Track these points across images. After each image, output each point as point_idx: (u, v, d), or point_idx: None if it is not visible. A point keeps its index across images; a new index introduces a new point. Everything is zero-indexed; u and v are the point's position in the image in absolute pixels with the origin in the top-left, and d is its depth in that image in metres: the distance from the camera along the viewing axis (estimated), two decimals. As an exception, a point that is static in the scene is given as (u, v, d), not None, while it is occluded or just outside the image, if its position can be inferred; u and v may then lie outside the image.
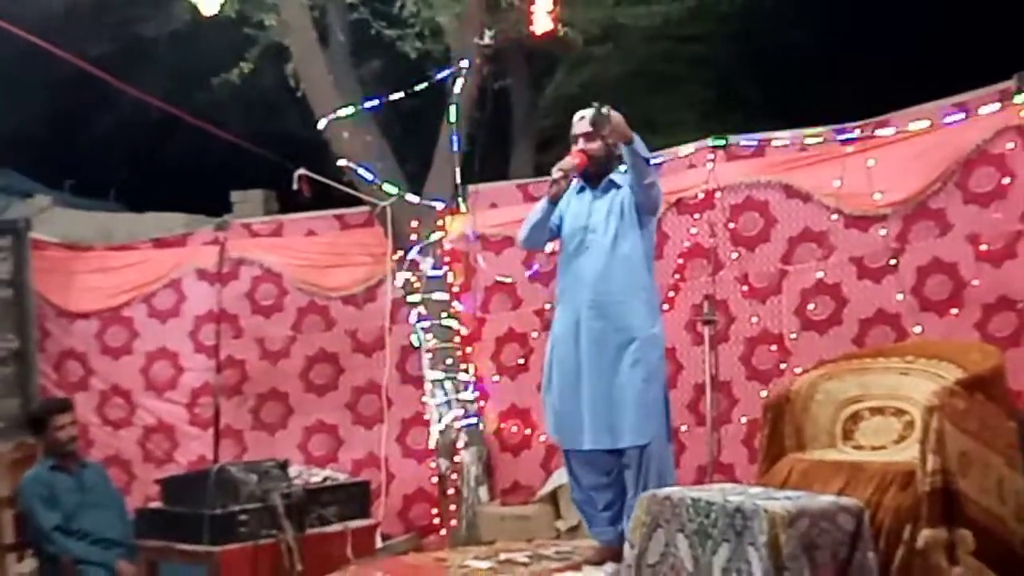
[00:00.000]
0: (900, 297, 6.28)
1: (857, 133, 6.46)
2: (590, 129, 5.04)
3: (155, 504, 5.96)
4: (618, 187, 5.09)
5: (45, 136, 12.57)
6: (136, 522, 5.91)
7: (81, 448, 6.71)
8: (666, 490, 4.29)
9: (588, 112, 5.01)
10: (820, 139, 6.59)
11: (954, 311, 6.13)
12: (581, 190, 5.20)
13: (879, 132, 6.41)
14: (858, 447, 4.68)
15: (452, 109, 7.50)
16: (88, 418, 7.75)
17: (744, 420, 6.61)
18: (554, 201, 5.10)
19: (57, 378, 7.97)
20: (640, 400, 4.91)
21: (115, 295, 7.98)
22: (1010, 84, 6.00)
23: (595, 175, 5.14)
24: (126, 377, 7.93)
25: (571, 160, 5.08)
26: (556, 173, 5.04)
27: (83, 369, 7.98)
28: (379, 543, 6.70)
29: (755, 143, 6.82)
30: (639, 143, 4.87)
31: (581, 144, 5.11)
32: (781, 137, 6.75)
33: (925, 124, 6.26)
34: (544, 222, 5.17)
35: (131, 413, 7.91)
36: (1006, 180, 6.02)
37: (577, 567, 4.91)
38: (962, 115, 6.17)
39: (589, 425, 4.96)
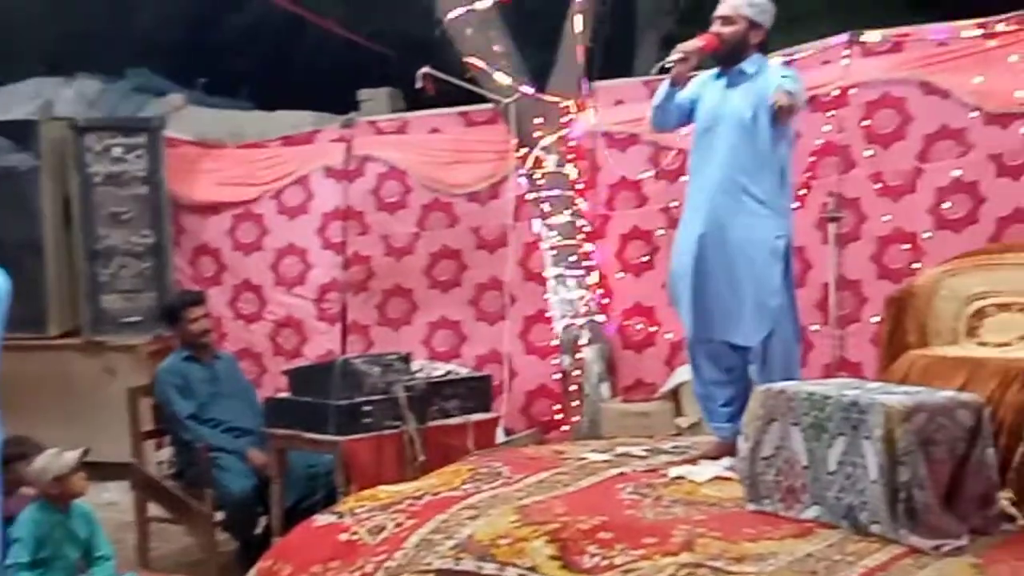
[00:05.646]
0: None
1: (1001, 28, 6.23)
2: (728, 12, 4.90)
3: (283, 394, 6.10)
4: (750, 78, 4.93)
5: (179, 36, 12.77)
6: (264, 411, 6.07)
7: (215, 341, 6.93)
8: (781, 384, 4.26)
9: None
10: (962, 34, 6.36)
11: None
12: (718, 76, 5.03)
13: (1026, 25, 6.17)
14: (982, 344, 4.57)
15: (577, 4, 7.40)
16: (221, 312, 7.99)
17: (874, 320, 6.49)
18: (675, 84, 4.96)
19: (192, 273, 8.22)
20: (760, 298, 4.85)
21: (246, 192, 8.15)
22: None
23: (726, 60, 4.97)
24: (257, 272, 8.13)
25: (695, 42, 4.91)
26: (675, 54, 4.90)
27: (216, 264, 8.22)
28: (502, 438, 6.79)
29: (892, 38, 6.62)
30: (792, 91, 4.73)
31: (716, 26, 4.94)
32: (920, 32, 6.53)
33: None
34: (666, 104, 5.04)
35: (262, 308, 8.12)
36: None
37: (693, 461, 4.91)
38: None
39: (708, 316, 4.92)
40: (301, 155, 8.13)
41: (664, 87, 5.04)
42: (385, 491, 4.74)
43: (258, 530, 6.10)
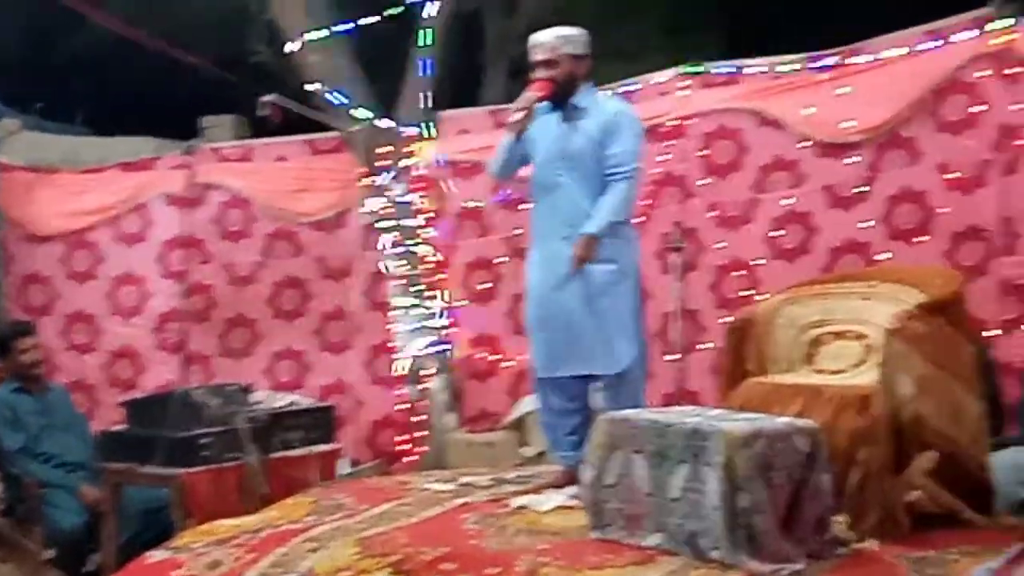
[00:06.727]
0: (870, 225, 6.27)
1: (831, 61, 6.42)
2: (548, 56, 4.93)
3: (118, 427, 5.92)
4: (583, 112, 4.97)
5: (14, 59, 12.39)
6: (99, 445, 5.88)
7: (46, 372, 6.69)
8: (623, 412, 4.27)
9: (543, 36, 4.93)
10: (794, 67, 6.54)
11: (923, 240, 6.13)
12: (552, 110, 5.02)
13: (852, 60, 6.36)
14: (819, 371, 4.65)
15: (424, 33, 7.42)
16: (53, 342, 7.71)
17: (712, 347, 6.60)
18: (519, 138, 4.96)
19: (22, 302, 7.93)
20: (612, 329, 4.88)
21: (81, 219, 7.91)
22: (986, 12, 5.96)
23: (561, 98, 5.00)
24: (91, 302, 7.88)
25: (532, 94, 4.92)
26: (518, 113, 4.90)
27: (48, 293, 7.93)
28: (348, 468, 6.70)
29: (729, 70, 6.76)
30: (603, 229, 4.82)
31: (541, 72, 4.95)
32: (755, 64, 6.69)
33: (899, 52, 6.20)
34: (512, 157, 5.06)
35: (96, 338, 7.87)
36: (978, 108, 5.98)
37: (537, 490, 4.89)
38: (937, 43, 6.13)
39: (562, 352, 4.94)
40: (140, 181, 7.92)
41: (506, 141, 5.03)
42: (224, 525, 4.63)
43: (90, 568, 5.89)
